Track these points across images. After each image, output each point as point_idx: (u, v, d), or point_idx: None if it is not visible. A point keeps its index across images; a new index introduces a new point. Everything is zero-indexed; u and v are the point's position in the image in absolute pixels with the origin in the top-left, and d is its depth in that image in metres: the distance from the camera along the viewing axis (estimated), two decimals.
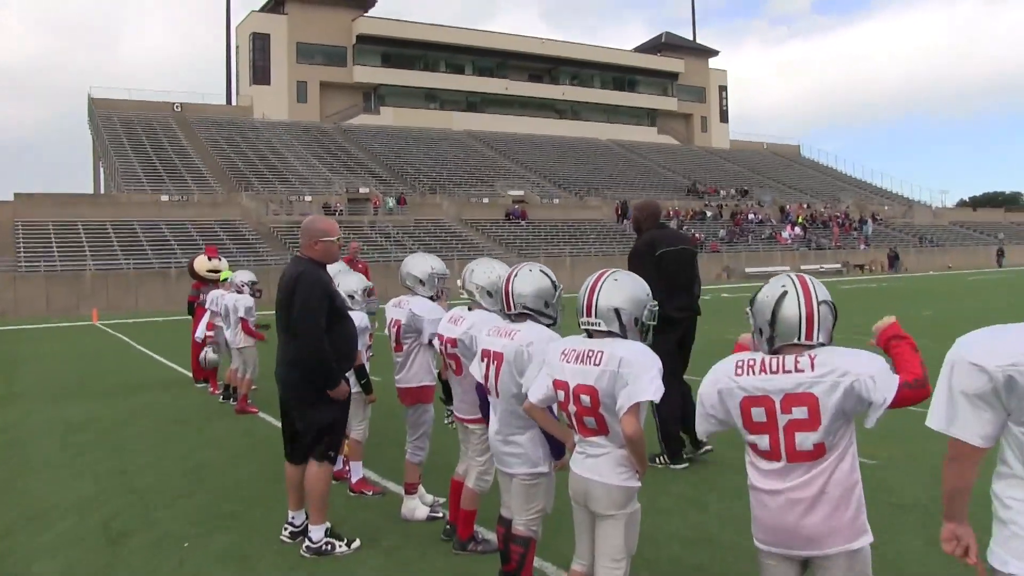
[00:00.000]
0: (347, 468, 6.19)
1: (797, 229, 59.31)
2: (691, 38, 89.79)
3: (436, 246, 43.47)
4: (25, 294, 33.56)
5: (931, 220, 69.46)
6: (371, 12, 68.56)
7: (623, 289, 3.31)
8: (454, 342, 4.63)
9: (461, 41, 71.12)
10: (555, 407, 3.59)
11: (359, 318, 5.86)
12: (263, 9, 66.48)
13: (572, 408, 3.30)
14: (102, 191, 53.71)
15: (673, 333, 6.53)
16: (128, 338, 20.59)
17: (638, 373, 3.11)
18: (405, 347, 5.45)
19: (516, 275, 3.93)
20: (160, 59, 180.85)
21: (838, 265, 54.96)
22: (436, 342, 4.93)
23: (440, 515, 5.35)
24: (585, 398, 3.23)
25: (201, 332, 11.83)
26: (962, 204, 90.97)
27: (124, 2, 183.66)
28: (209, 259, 12.43)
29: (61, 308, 33.46)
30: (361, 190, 50.40)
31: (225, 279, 10.73)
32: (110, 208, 41.90)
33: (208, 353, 11.09)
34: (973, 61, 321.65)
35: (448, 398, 4.98)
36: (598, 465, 3.24)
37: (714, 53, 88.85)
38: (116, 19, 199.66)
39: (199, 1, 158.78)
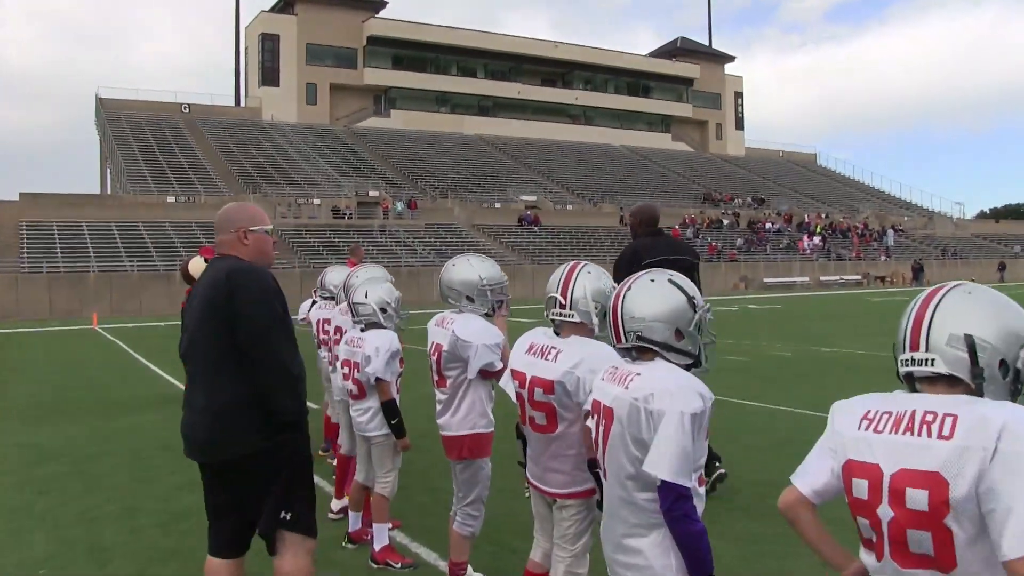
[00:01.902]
0: (368, 531, 4.95)
1: (816, 239, 58.08)
2: (707, 43, 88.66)
3: (447, 251, 42.42)
4: (28, 296, 32.66)
5: (952, 232, 68.02)
6: (382, 14, 67.55)
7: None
8: (548, 386, 3.14)
9: (473, 44, 70.06)
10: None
11: (388, 338, 4.73)
12: (272, 10, 65.59)
13: None
14: (108, 192, 52.86)
15: None
16: (126, 345, 19.54)
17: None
18: (450, 381, 4.16)
19: (629, 289, 2.62)
20: (169, 60, 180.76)
21: (858, 277, 53.67)
22: (510, 383, 3.47)
23: None
24: None
25: None
26: (982, 216, 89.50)
27: (132, 4, 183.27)
28: (205, 261, 11.33)
29: (64, 310, 32.59)
30: (371, 193, 49.36)
31: None
32: (115, 209, 40.98)
33: None
34: (987, 71, 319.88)
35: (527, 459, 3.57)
36: None
37: (730, 59, 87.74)
38: (124, 21, 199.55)
39: (207, 2, 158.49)
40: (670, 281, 2.61)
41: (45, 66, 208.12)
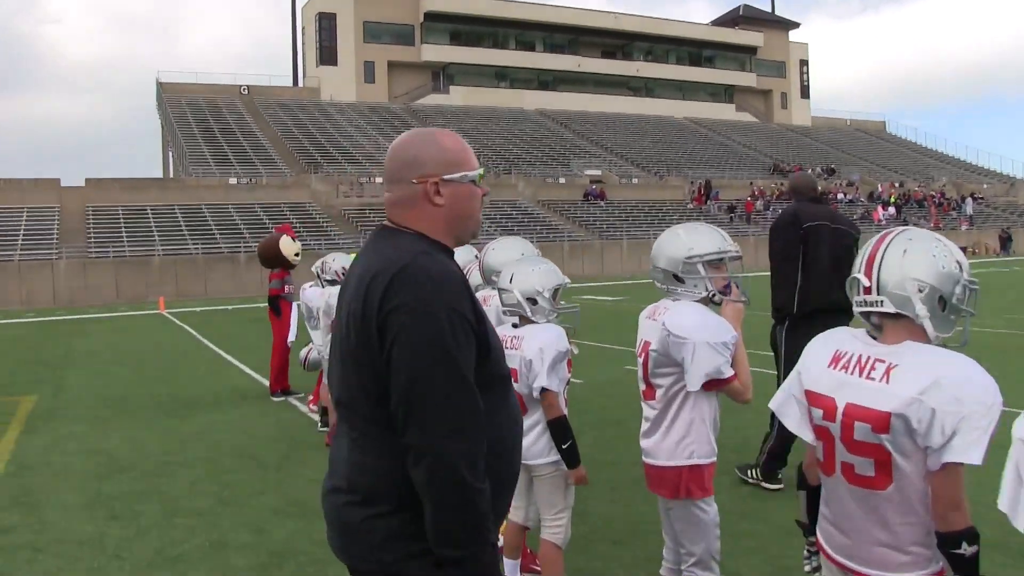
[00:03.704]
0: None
1: (891, 209, 55.82)
2: (769, 10, 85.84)
3: (513, 228, 41.49)
4: (96, 280, 32.64)
5: None
6: None
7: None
8: (881, 421, 2.09)
9: (531, 17, 68.50)
10: None
11: (551, 338, 3.60)
12: None
13: None
14: (171, 176, 52.88)
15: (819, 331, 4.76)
16: (194, 330, 18.93)
17: None
18: (660, 392, 3.18)
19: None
20: (226, 43, 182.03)
21: None
22: (803, 422, 2.35)
23: None
24: None
25: (294, 333, 9.86)
26: None
27: None
28: (293, 240, 10.41)
29: (130, 295, 32.49)
30: None
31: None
32: (178, 192, 40.78)
33: (313, 352, 8.58)
34: None
35: (812, 516, 2.44)
36: None
37: (795, 25, 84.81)
38: (182, 5, 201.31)
39: None
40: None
41: (105, 56, 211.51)
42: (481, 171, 2.15)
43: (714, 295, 3.13)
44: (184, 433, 8.22)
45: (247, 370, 12.30)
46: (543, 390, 3.50)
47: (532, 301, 3.68)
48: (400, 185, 2.11)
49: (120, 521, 5.46)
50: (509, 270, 3.76)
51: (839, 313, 5.34)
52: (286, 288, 10.00)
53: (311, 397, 9.04)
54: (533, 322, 3.68)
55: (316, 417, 8.37)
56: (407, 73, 64.75)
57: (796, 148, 70.77)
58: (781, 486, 5.72)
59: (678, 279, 3.16)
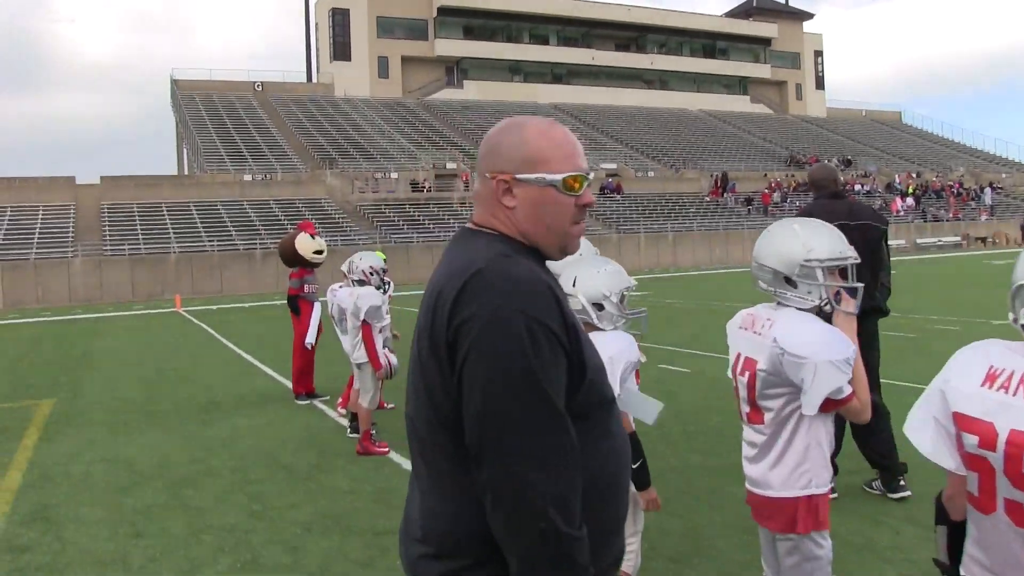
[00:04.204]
0: None
1: (909, 200, 55.14)
2: (783, 1, 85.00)
3: None
4: (111, 278, 32.55)
5: None
6: None
7: None
8: None
9: (544, 10, 67.97)
10: None
11: (623, 347, 3.24)
12: None
13: None
14: (186, 173, 52.74)
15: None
16: (212, 329, 18.70)
17: None
18: (770, 415, 2.80)
19: None
20: (240, 40, 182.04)
21: (957, 238, 50.79)
22: (948, 450, 1.96)
23: None
24: None
25: (313, 335, 9.56)
26: None
27: None
28: (312, 237, 10.05)
29: (146, 292, 32.41)
30: (448, 166, 48.24)
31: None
32: (193, 189, 40.62)
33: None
34: None
35: (955, 556, 2.10)
36: None
37: (808, 16, 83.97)
38: (195, 3, 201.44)
39: None
40: None
41: (119, 54, 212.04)
42: (572, 175, 1.74)
43: (827, 303, 2.79)
44: (208, 439, 7.88)
45: (269, 371, 11.99)
46: None
47: (599, 306, 3.34)
48: (480, 179, 1.80)
49: (144, 539, 5.14)
50: (571, 272, 3.36)
51: (870, 314, 5.13)
52: (305, 288, 9.69)
53: (340, 400, 8.72)
54: (599, 329, 3.35)
55: (345, 422, 8.04)
56: (421, 68, 64.43)
57: (812, 139, 70.13)
58: (908, 492, 5.26)
59: (790, 283, 2.80)
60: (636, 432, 3.24)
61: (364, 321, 6.69)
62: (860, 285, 2.85)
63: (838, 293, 2.80)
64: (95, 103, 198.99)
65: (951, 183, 60.30)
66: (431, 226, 39.17)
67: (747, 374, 2.81)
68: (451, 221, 40.18)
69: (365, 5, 61.93)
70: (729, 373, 3.01)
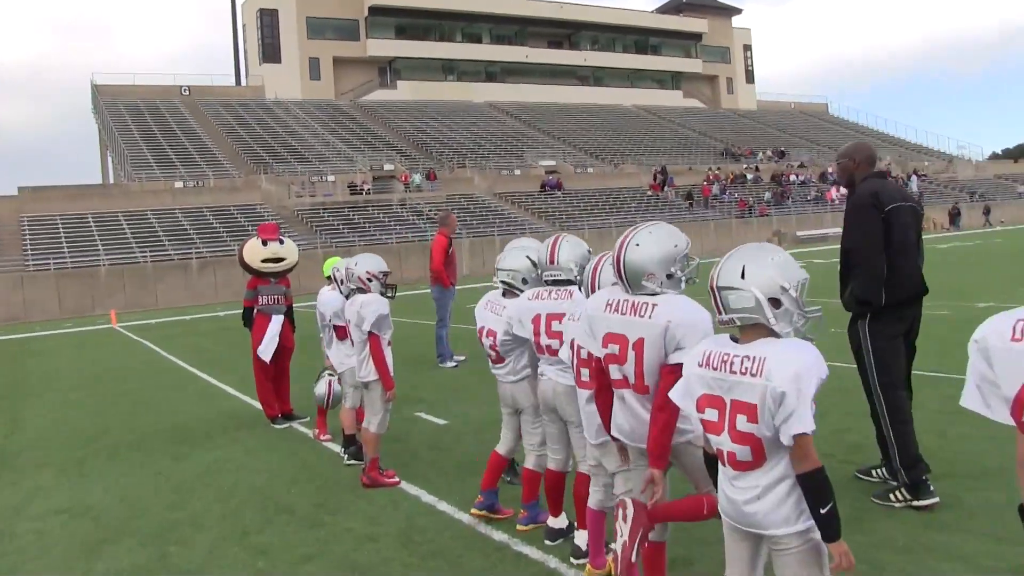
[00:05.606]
0: None
1: (843, 189, 55.81)
2: None
3: (472, 222, 40.47)
4: (35, 295, 30.77)
5: (974, 174, 65.64)
6: None
7: None
8: None
9: (477, 8, 67.31)
10: None
11: (810, 361, 2.49)
12: None
13: None
14: (111, 181, 50.63)
15: (902, 322, 5.04)
16: (155, 345, 17.56)
17: None
18: None
19: None
20: (164, 43, 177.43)
21: None
22: None
23: None
24: None
25: (267, 349, 8.58)
26: (995, 157, 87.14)
27: None
28: (264, 243, 8.82)
29: (75, 309, 30.79)
30: (386, 167, 47.21)
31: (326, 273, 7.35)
32: (121, 199, 38.88)
33: (334, 384, 7.33)
34: (984, 13, 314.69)
35: None
36: None
37: (737, 11, 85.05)
38: (116, 5, 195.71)
39: None
40: None
41: (36, 58, 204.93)
42: None
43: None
44: (184, 477, 6.71)
45: (232, 391, 10.91)
46: (800, 435, 2.48)
47: (775, 303, 2.64)
48: None
49: None
50: (737, 262, 2.70)
51: (916, 299, 5.08)
52: (260, 299, 8.66)
53: (316, 431, 7.78)
54: (775, 334, 2.64)
55: (336, 448, 7.19)
56: (353, 69, 63.21)
57: (744, 132, 70.87)
58: (936, 499, 4.70)
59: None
60: (823, 468, 2.54)
61: (371, 332, 5.83)
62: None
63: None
64: (10, 110, 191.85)
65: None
66: (371, 229, 38.24)
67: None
68: (391, 223, 39.28)
69: (294, 5, 60.48)
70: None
